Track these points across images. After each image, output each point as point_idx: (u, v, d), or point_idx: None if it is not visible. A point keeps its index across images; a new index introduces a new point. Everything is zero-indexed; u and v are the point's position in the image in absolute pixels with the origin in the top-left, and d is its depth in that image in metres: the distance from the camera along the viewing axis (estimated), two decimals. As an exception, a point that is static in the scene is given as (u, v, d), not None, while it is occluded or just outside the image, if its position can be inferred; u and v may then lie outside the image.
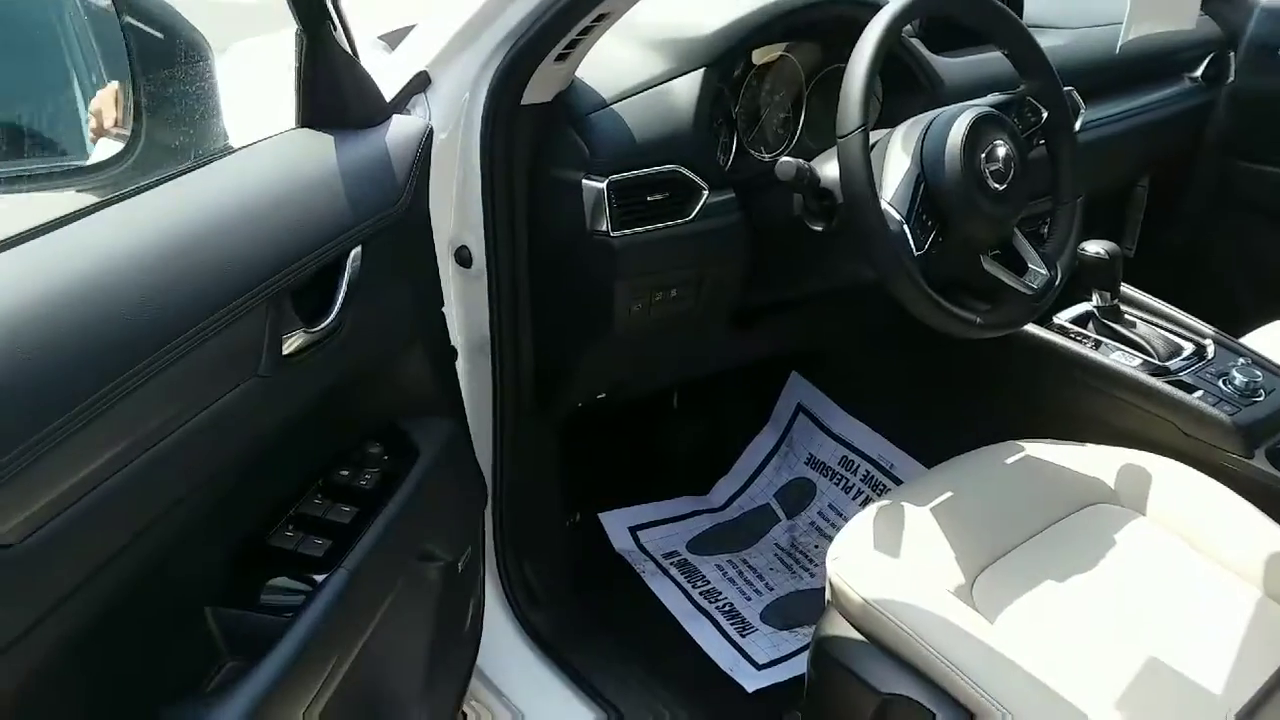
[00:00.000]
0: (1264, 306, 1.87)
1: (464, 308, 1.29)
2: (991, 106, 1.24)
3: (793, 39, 1.44)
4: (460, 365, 1.30)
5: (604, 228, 1.23)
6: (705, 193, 1.29)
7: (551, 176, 1.25)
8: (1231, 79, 2.08)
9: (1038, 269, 1.26)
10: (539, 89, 1.21)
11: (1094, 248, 1.47)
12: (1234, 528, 1.22)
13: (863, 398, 1.89)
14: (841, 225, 1.22)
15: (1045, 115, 1.29)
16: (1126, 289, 1.58)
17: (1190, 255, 2.24)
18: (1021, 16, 1.60)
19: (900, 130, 1.24)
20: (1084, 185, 1.34)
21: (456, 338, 1.29)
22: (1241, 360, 1.45)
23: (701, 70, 1.31)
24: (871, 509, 1.23)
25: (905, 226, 1.15)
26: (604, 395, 1.49)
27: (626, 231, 1.24)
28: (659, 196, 1.26)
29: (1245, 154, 2.13)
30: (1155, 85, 1.98)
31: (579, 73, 1.26)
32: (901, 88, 1.49)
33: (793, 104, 1.48)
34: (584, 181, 1.23)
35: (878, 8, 1.22)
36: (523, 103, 1.20)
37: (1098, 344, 1.52)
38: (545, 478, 1.55)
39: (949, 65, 1.56)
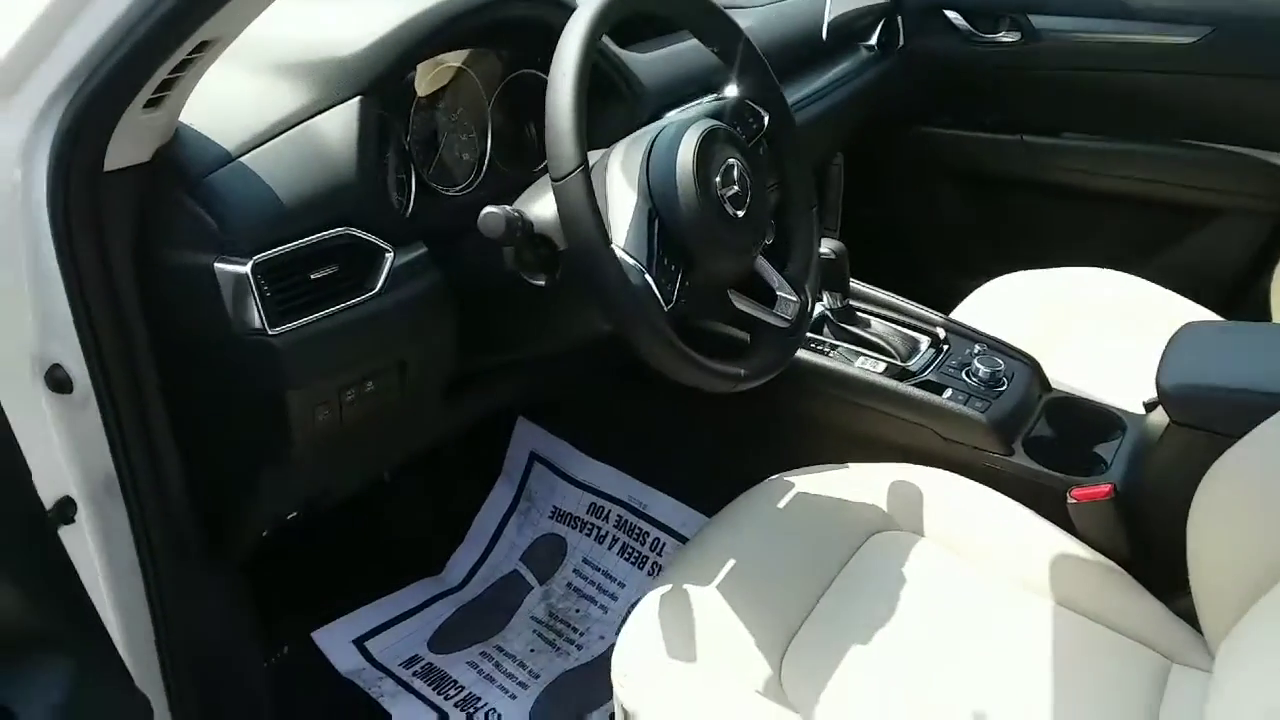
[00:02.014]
0: (966, 266, 1.89)
1: (73, 445, 0.94)
2: (709, 117, 1.06)
3: (465, 47, 1.18)
4: (85, 515, 0.96)
5: (257, 324, 0.91)
6: (390, 255, 1.01)
7: (168, 263, 0.92)
8: (902, 43, 2.07)
9: (786, 296, 1.11)
10: (128, 147, 0.87)
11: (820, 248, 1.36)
12: (1010, 536, 1.17)
13: (601, 436, 1.69)
14: (568, 276, 1.00)
15: (766, 119, 1.14)
16: (854, 284, 1.49)
17: (892, 228, 2.25)
18: None
19: (617, 155, 1.03)
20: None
21: (69, 484, 0.95)
22: (978, 347, 1.41)
23: (357, 98, 1.02)
24: (652, 598, 1.07)
25: (648, 276, 0.94)
26: (296, 514, 1.17)
27: (290, 325, 0.93)
28: (328, 271, 0.96)
29: (924, 119, 2.15)
30: (836, 59, 1.91)
31: (186, 117, 0.93)
32: (598, 96, 1.27)
33: (475, 124, 1.22)
34: (217, 265, 0.90)
35: (561, 6, 0.99)
36: (107, 169, 0.86)
37: (834, 349, 1.41)
38: (229, 622, 1.21)
39: (644, 63, 1.36)
